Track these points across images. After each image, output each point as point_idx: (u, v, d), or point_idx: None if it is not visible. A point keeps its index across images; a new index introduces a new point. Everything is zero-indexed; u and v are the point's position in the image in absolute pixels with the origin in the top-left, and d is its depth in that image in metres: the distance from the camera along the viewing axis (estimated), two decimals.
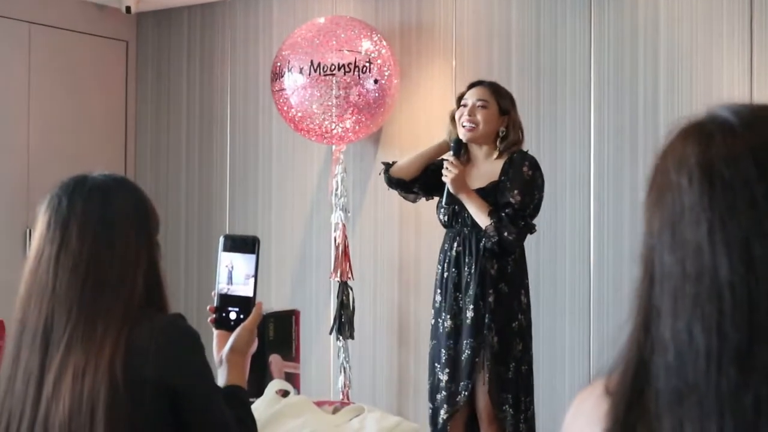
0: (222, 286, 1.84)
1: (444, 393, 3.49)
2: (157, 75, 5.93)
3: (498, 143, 3.57)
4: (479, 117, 3.55)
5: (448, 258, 3.58)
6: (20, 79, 5.35)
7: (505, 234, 3.41)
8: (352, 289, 4.78)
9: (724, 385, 0.68)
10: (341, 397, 4.68)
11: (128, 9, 5.70)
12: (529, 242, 4.20)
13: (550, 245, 4.45)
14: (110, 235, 1.62)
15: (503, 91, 3.66)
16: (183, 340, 1.61)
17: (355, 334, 4.77)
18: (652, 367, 0.72)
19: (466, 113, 3.56)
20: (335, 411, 2.52)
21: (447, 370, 3.49)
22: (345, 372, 4.78)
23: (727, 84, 4.08)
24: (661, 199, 0.77)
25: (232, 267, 1.83)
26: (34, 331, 1.58)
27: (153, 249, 1.67)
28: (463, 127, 3.56)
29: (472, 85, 3.67)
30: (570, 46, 4.47)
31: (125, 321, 1.57)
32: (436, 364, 3.56)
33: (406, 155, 3.84)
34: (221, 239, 1.87)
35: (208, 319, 1.84)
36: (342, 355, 4.78)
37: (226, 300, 1.83)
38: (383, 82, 4.69)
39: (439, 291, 3.63)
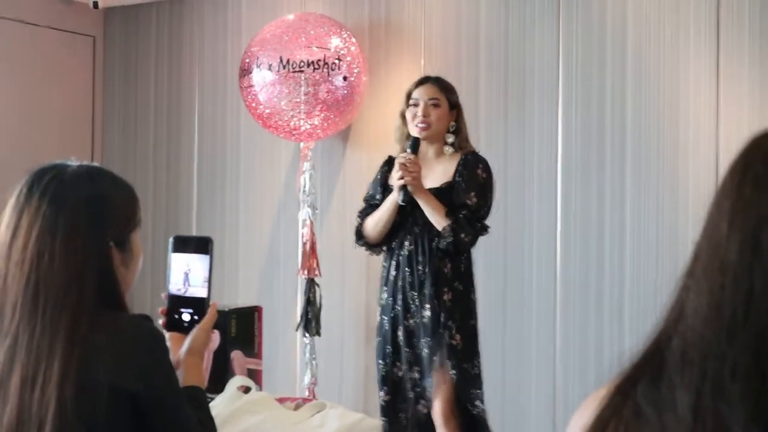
0: (173, 287, 1.82)
1: (419, 389, 3.51)
2: (124, 71, 5.88)
3: (448, 139, 3.61)
4: (433, 116, 3.58)
5: (396, 256, 3.58)
6: None
7: (462, 236, 3.44)
8: (319, 286, 4.77)
9: (711, 351, 0.75)
10: (307, 393, 4.67)
11: (96, 4, 5.66)
12: (497, 241, 4.22)
13: (517, 244, 4.46)
14: (55, 236, 1.56)
15: (450, 86, 3.69)
16: (144, 343, 1.58)
17: (322, 331, 4.76)
18: (673, 336, 0.79)
19: (419, 113, 3.57)
20: (297, 408, 2.52)
21: (417, 368, 3.51)
22: (311, 369, 4.77)
23: (694, 83, 4.11)
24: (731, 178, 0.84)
25: (189, 269, 1.81)
26: None
27: (106, 252, 1.60)
28: (417, 126, 3.58)
29: (419, 83, 3.69)
30: (538, 45, 4.48)
31: (75, 325, 1.53)
32: (395, 362, 3.57)
33: (370, 221, 3.64)
34: (171, 240, 1.84)
35: (160, 322, 1.81)
36: (308, 352, 4.77)
37: (178, 301, 1.81)
38: (352, 79, 4.68)
39: (386, 289, 3.63)
